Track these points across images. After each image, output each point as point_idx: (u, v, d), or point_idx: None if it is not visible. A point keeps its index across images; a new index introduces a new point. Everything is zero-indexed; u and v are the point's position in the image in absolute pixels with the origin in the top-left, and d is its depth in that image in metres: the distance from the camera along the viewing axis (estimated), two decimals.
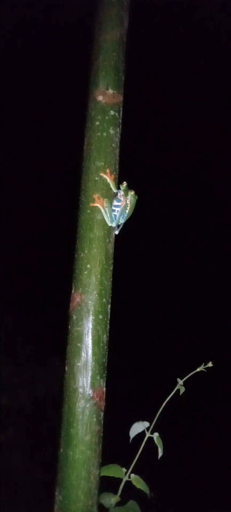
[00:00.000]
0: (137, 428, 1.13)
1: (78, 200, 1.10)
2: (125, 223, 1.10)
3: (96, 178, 1.08)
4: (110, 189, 1.08)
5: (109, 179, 1.07)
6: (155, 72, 3.43)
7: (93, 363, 1.00)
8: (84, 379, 0.99)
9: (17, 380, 3.60)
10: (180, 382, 1.14)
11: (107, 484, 1.11)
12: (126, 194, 1.09)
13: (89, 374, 1.00)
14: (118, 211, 1.07)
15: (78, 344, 1.01)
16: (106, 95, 1.13)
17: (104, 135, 1.10)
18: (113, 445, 1.35)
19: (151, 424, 1.13)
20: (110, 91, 1.13)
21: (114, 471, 1.09)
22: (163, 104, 3.54)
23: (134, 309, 3.73)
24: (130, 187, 1.11)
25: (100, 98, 1.12)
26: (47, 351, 3.51)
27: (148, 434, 1.12)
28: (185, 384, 1.16)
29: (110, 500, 1.09)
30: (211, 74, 3.47)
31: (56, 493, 0.99)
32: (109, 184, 1.08)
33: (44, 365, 3.62)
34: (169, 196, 4.05)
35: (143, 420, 1.14)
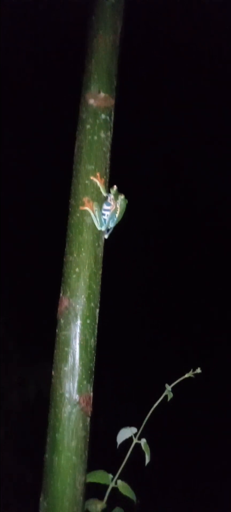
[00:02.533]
0: (124, 434, 1.12)
1: (68, 203, 1.10)
2: (115, 228, 1.10)
3: (87, 182, 1.07)
4: (101, 192, 1.07)
5: (99, 182, 1.07)
6: (154, 72, 3.43)
7: (80, 368, 0.99)
8: (71, 384, 0.98)
9: (8, 382, 3.57)
10: (168, 388, 1.14)
11: (93, 491, 1.10)
12: (116, 198, 1.08)
13: (76, 379, 0.99)
14: (107, 215, 1.06)
15: (66, 349, 1.00)
16: (98, 99, 1.12)
17: (95, 138, 1.10)
18: (100, 451, 1.34)
19: (138, 430, 1.12)
20: (102, 94, 1.13)
21: (100, 477, 1.08)
22: (159, 105, 3.54)
23: (123, 314, 3.73)
24: (120, 191, 1.10)
25: (91, 101, 1.12)
26: (38, 354, 3.49)
27: (135, 440, 1.11)
28: (174, 389, 1.16)
29: (97, 506, 1.08)
30: (210, 74, 3.48)
31: (41, 499, 0.98)
32: (99, 188, 1.07)
33: (35, 368, 3.60)
34: (161, 200, 4.05)
35: (131, 426, 1.13)
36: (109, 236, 1.09)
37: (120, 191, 1.10)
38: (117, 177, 1.14)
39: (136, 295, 3.96)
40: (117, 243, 1.16)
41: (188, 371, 1.16)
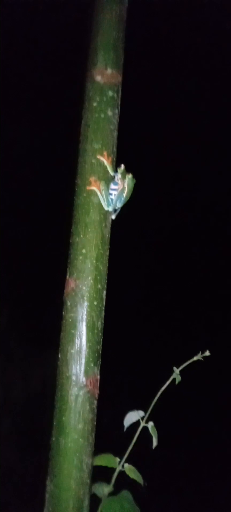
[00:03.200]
0: (132, 417, 1.11)
1: (74, 183, 1.07)
2: (122, 208, 1.07)
3: (93, 161, 1.05)
4: (108, 172, 1.05)
5: (106, 161, 1.04)
6: (154, 72, 3.40)
7: (87, 350, 0.98)
8: (78, 366, 0.97)
9: (12, 376, 3.59)
10: (176, 371, 1.12)
11: (100, 474, 1.09)
12: (123, 178, 1.05)
13: (83, 361, 0.97)
14: (115, 194, 1.04)
15: (72, 331, 0.99)
16: (105, 75, 1.09)
17: (102, 116, 1.07)
18: (107, 434, 1.33)
19: (145, 414, 1.11)
20: (109, 70, 1.09)
21: (107, 460, 1.07)
22: (164, 94, 3.51)
23: (131, 296, 3.72)
24: (128, 170, 1.07)
25: (98, 78, 1.09)
26: (42, 347, 3.50)
27: (142, 424, 1.10)
28: (182, 373, 1.14)
29: (103, 490, 1.07)
30: (211, 71, 3.44)
31: (47, 481, 0.97)
32: (106, 167, 1.04)
33: (39, 361, 3.61)
34: (169, 182, 4.02)
35: (138, 409, 1.12)
36: (117, 216, 1.06)
37: (127, 170, 1.07)
38: (124, 156, 1.11)
39: (143, 277, 3.96)
40: (125, 224, 1.14)
41: (196, 354, 1.14)
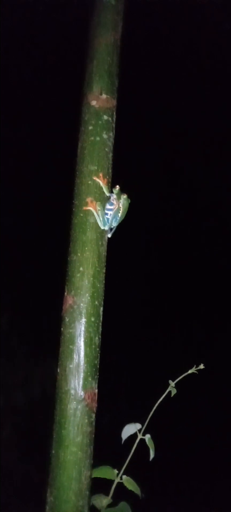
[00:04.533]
0: (129, 429, 1.14)
1: (72, 203, 1.11)
2: (118, 227, 1.11)
3: (90, 182, 1.09)
4: (103, 192, 1.09)
5: (102, 182, 1.08)
6: (154, 73, 3.44)
7: (85, 365, 1.01)
8: (76, 380, 1.00)
9: (13, 380, 3.60)
10: (172, 384, 1.15)
11: (99, 486, 1.12)
12: (118, 198, 1.10)
13: (81, 376, 1.01)
14: (110, 214, 1.08)
15: (71, 346, 1.02)
16: (99, 100, 1.14)
17: (97, 139, 1.11)
18: (105, 446, 1.36)
19: (143, 426, 1.14)
20: (104, 95, 1.14)
21: (105, 472, 1.09)
22: (160, 105, 3.55)
23: (127, 311, 3.74)
24: (123, 190, 1.12)
25: (93, 102, 1.13)
26: (43, 351, 3.51)
27: (139, 436, 1.13)
28: (178, 385, 1.17)
29: (102, 501, 1.09)
30: (211, 74, 3.48)
31: (47, 494, 0.99)
32: (102, 188, 1.09)
33: (40, 365, 3.62)
34: (163, 199, 4.06)
35: (135, 422, 1.15)
36: (113, 235, 1.10)
37: (122, 191, 1.11)
38: (119, 177, 1.16)
39: (139, 293, 3.98)
40: (120, 242, 1.18)
41: (191, 368, 1.17)
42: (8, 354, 3.62)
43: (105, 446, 1.36)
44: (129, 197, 1.11)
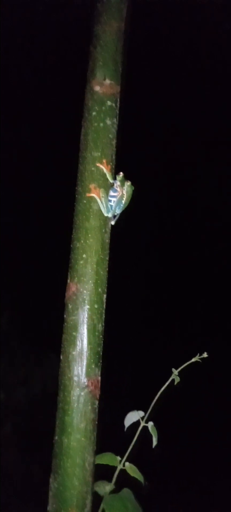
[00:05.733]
0: (132, 417, 1.14)
1: (75, 191, 1.11)
2: (121, 214, 1.11)
3: (93, 169, 1.08)
4: (107, 179, 1.08)
5: (105, 169, 1.07)
6: (154, 73, 3.43)
7: (88, 352, 1.01)
8: (79, 367, 1.00)
9: (14, 378, 3.61)
10: (175, 372, 1.15)
11: (102, 473, 1.12)
12: (122, 185, 1.09)
13: (84, 363, 1.00)
14: (114, 201, 1.07)
15: (74, 333, 1.02)
16: (103, 86, 1.12)
17: (101, 125, 1.10)
18: (109, 434, 1.36)
19: (145, 414, 1.14)
20: (108, 81, 1.13)
21: (108, 459, 1.10)
22: (160, 104, 3.54)
23: (131, 299, 3.75)
24: (126, 177, 1.11)
25: (97, 88, 1.12)
26: (43, 349, 3.52)
27: (142, 423, 1.13)
28: (181, 374, 1.17)
29: (105, 488, 1.10)
30: (211, 74, 3.47)
31: (50, 480, 1.00)
32: (105, 175, 1.08)
33: (41, 363, 3.63)
34: (167, 188, 4.05)
35: (138, 409, 1.15)
36: (116, 222, 1.09)
37: (126, 177, 1.10)
38: (123, 164, 1.15)
39: (142, 281, 3.99)
40: (124, 229, 1.17)
41: (195, 357, 1.17)
42: (8, 353, 3.62)
43: (108, 433, 1.36)
44: (132, 184, 1.10)
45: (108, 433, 1.34)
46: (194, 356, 1.17)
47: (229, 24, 2.90)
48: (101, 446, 1.08)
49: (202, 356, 1.15)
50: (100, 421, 1.04)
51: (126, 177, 1.10)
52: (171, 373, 1.17)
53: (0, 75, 2.88)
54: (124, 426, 1.14)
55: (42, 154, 3.51)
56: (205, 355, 1.15)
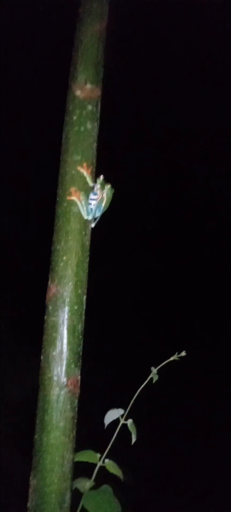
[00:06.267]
0: (112, 415, 1.16)
1: (56, 193, 1.12)
2: (102, 216, 1.13)
3: (73, 172, 1.10)
4: (87, 182, 1.10)
5: (86, 172, 1.09)
6: (154, 73, 3.44)
7: (68, 352, 1.03)
8: (59, 367, 1.02)
9: (13, 379, 3.60)
10: (154, 370, 1.18)
11: (82, 470, 1.15)
12: (102, 188, 1.11)
13: (64, 362, 1.03)
14: (94, 204, 1.09)
15: (54, 334, 1.04)
16: (84, 90, 1.14)
17: (82, 129, 1.12)
18: (89, 431, 1.38)
19: (125, 411, 1.17)
20: (89, 85, 1.15)
21: (88, 456, 1.12)
22: (160, 104, 3.55)
23: (111, 299, 3.78)
24: (107, 181, 1.13)
25: (78, 92, 1.14)
26: (35, 347, 3.52)
27: (122, 421, 1.16)
28: (160, 372, 1.20)
29: (85, 484, 1.12)
30: (211, 74, 3.49)
31: (30, 477, 1.02)
32: (86, 178, 1.10)
33: (33, 361, 3.62)
34: (147, 190, 4.08)
35: (118, 407, 1.18)
36: (96, 224, 1.12)
37: (106, 180, 1.13)
38: (103, 167, 1.17)
39: (122, 282, 4.02)
40: (104, 231, 1.19)
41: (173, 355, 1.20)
42: (8, 353, 3.62)
43: (88, 431, 1.39)
44: (112, 187, 1.12)
45: (88, 431, 1.37)
46: (174, 353, 1.20)
47: (229, 24, 2.92)
48: (81, 444, 1.10)
49: (180, 355, 1.18)
50: (80, 419, 1.06)
51: (106, 180, 1.12)
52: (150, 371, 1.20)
53: (0, 75, 2.88)
54: (104, 424, 1.16)
55: (23, 157, 3.51)
56: (183, 353, 1.18)
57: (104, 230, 1.19)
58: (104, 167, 1.14)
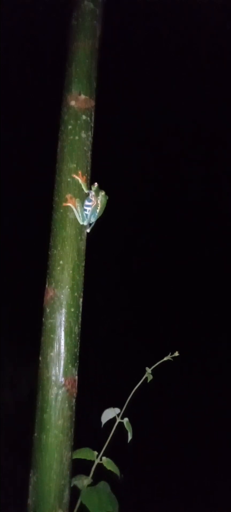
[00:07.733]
0: (108, 414, 1.20)
1: (52, 200, 1.17)
2: (96, 222, 1.17)
3: (69, 179, 1.14)
4: (82, 189, 1.14)
5: (81, 180, 1.14)
6: (154, 72, 3.47)
7: (66, 353, 1.07)
8: (57, 368, 1.06)
9: (13, 379, 3.61)
10: (148, 370, 1.22)
11: (80, 467, 1.18)
12: (97, 195, 1.15)
13: (62, 363, 1.06)
14: (89, 210, 1.14)
15: (52, 336, 1.08)
16: (78, 101, 1.19)
17: (76, 138, 1.17)
18: (86, 430, 1.42)
19: (121, 410, 1.21)
20: (83, 96, 1.19)
21: (86, 454, 1.16)
22: (160, 104, 3.58)
23: (107, 301, 3.81)
24: (101, 188, 1.17)
25: (73, 103, 1.19)
26: (30, 351, 3.53)
27: (118, 420, 1.19)
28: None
29: (83, 481, 1.16)
30: (211, 74, 3.53)
31: (30, 474, 1.05)
32: (81, 185, 1.14)
33: (27, 365, 3.64)
34: (140, 196, 4.12)
35: (114, 406, 1.21)
36: (91, 230, 1.16)
37: (100, 188, 1.17)
38: (98, 175, 1.21)
39: (117, 284, 4.05)
40: (99, 236, 1.23)
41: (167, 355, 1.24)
42: (8, 353, 3.63)
43: (86, 429, 1.42)
44: (106, 194, 1.16)
45: (86, 430, 1.40)
46: (167, 353, 1.24)
47: (229, 24, 2.95)
48: (79, 442, 1.14)
49: (173, 355, 1.22)
50: (78, 418, 1.10)
51: (100, 187, 1.17)
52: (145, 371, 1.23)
53: (0, 75, 2.90)
54: (101, 422, 1.20)
55: (38, 162, 3.54)
56: (176, 354, 1.22)
57: (100, 235, 1.23)
58: (100, 171, 1.19)
